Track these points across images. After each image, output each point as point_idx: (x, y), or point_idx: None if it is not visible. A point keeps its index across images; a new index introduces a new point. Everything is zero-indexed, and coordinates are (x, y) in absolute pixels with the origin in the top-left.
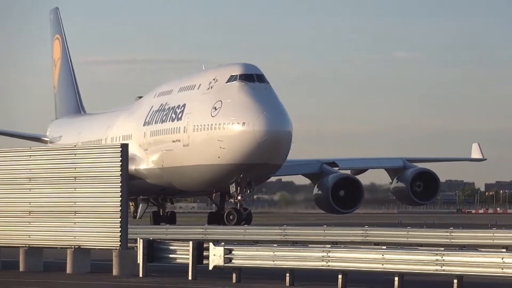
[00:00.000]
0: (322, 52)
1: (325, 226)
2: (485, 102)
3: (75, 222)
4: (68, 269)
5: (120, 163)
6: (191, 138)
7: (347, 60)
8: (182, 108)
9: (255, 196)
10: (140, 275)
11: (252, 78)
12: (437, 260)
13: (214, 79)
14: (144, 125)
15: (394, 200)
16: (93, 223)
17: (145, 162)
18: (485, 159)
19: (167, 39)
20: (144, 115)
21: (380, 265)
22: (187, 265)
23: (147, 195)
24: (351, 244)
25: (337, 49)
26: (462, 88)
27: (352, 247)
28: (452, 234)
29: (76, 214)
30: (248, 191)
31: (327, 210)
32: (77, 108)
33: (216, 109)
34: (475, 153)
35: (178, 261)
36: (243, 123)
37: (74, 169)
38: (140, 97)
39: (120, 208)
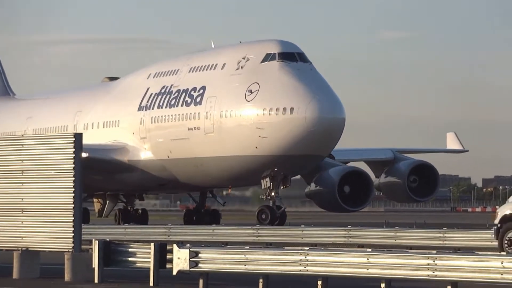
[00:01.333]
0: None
1: (303, 226)
2: (479, 92)
3: (22, 221)
4: (15, 274)
5: (73, 155)
6: (216, 126)
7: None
8: (201, 91)
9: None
10: (95, 280)
11: (293, 57)
12: (428, 264)
13: (244, 58)
14: (140, 110)
15: (381, 197)
16: (43, 222)
17: (141, 152)
18: (466, 151)
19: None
20: (138, 99)
21: (364, 270)
22: (148, 269)
23: (137, 191)
24: (332, 247)
25: (318, 33)
26: (450, 76)
27: (333, 250)
28: (445, 235)
29: (24, 212)
30: (283, 187)
31: (331, 208)
32: (4, 90)
33: (252, 93)
34: (452, 144)
35: (138, 265)
36: (291, 109)
37: (21, 161)
38: (112, 78)
39: (73, 205)
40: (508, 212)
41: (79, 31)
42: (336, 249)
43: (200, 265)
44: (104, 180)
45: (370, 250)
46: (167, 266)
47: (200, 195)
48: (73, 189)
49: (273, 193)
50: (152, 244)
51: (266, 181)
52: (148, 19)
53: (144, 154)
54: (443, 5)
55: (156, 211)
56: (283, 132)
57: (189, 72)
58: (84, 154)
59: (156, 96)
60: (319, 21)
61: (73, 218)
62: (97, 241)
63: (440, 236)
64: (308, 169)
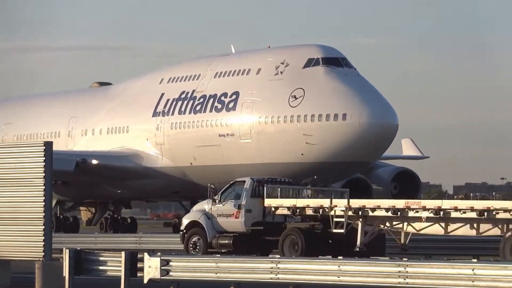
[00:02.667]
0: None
1: None
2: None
3: None
4: None
5: (44, 164)
6: (254, 132)
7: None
8: (234, 96)
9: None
10: None
11: (337, 62)
12: (399, 272)
13: (283, 63)
14: (155, 116)
15: None
16: (13, 231)
17: (157, 159)
18: (426, 157)
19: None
20: (151, 104)
21: (336, 278)
22: (119, 278)
23: (145, 198)
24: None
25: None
26: (416, 81)
27: (304, 258)
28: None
29: None
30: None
31: None
32: None
33: (296, 98)
34: (409, 150)
35: (109, 273)
36: (344, 115)
37: None
38: (103, 83)
39: (44, 214)
40: (192, 219)
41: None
42: (308, 257)
43: (171, 273)
44: (112, 187)
45: (341, 257)
46: (138, 274)
47: (191, 204)
48: (44, 198)
49: None
50: (122, 252)
51: (307, 189)
52: (131, 26)
53: (162, 160)
54: (403, 13)
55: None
56: (334, 139)
57: (214, 77)
58: (93, 161)
59: (175, 102)
60: (294, 27)
61: (43, 227)
62: (67, 250)
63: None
64: (351, 176)
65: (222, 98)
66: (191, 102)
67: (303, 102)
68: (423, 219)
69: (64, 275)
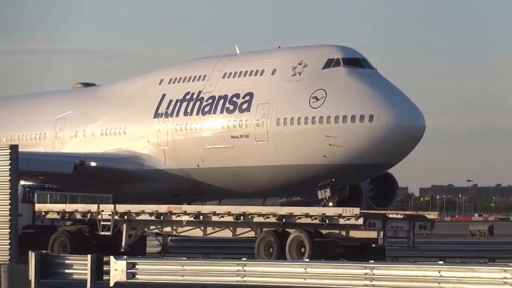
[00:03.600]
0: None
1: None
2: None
3: None
4: None
5: (9, 167)
6: (272, 133)
7: None
8: (247, 97)
9: None
10: None
11: (359, 63)
12: (366, 274)
13: (300, 64)
14: (156, 117)
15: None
16: None
17: (160, 162)
18: None
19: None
20: (152, 105)
21: (302, 280)
22: (85, 281)
23: (143, 201)
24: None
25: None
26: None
27: (271, 260)
28: None
29: None
30: (340, 197)
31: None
32: None
33: (317, 99)
34: None
35: (75, 277)
36: (371, 116)
37: None
38: (87, 84)
39: (10, 218)
40: None
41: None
42: (274, 259)
43: (137, 276)
44: (108, 191)
45: (307, 260)
46: (104, 278)
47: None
48: (9, 201)
49: (331, 204)
50: (89, 256)
51: (326, 191)
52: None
53: (165, 162)
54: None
55: None
56: (360, 140)
57: (223, 77)
58: (92, 164)
59: (179, 103)
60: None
61: (9, 230)
62: (33, 253)
63: None
64: (367, 179)
65: (234, 99)
66: (198, 103)
67: (325, 103)
68: (184, 223)
69: (30, 278)
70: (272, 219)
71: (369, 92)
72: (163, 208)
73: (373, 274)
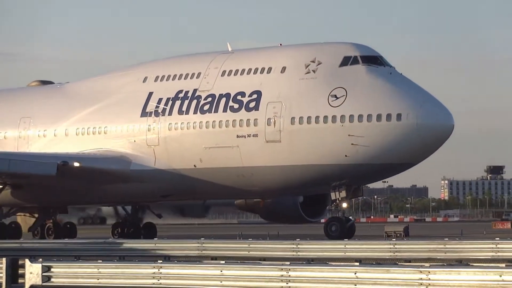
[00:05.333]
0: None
1: (156, 239)
2: None
3: None
4: None
5: None
6: (286, 132)
7: None
8: (255, 95)
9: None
10: None
11: (377, 60)
12: (282, 276)
13: (313, 61)
14: (145, 116)
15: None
16: None
17: (149, 162)
18: None
19: None
20: (137, 104)
21: (218, 282)
22: (0, 285)
23: (128, 203)
24: (186, 259)
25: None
26: None
27: (187, 262)
28: (298, 246)
29: None
30: (354, 198)
31: (290, 220)
32: None
33: (337, 98)
34: None
35: None
36: (398, 115)
37: None
38: (45, 82)
39: None
40: None
41: None
42: (190, 261)
43: (52, 279)
44: (92, 192)
45: (223, 262)
46: (19, 281)
47: (132, 208)
48: None
49: (344, 204)
50: (4, 258)
51: (341, 192)
52: None
53: (155, 163)
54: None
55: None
56: (387, 139)
57: (222, 75)
58: (76, 164)
59: (171, 101)
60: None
61: None
62: None
63: (293, 247)
64: (384, 178)
65: (239, 97)
66: (194, 101)
67: (346, 101)
68: None
69: None
70: None
71: (393, 91)
72: None
73: (289, 276)
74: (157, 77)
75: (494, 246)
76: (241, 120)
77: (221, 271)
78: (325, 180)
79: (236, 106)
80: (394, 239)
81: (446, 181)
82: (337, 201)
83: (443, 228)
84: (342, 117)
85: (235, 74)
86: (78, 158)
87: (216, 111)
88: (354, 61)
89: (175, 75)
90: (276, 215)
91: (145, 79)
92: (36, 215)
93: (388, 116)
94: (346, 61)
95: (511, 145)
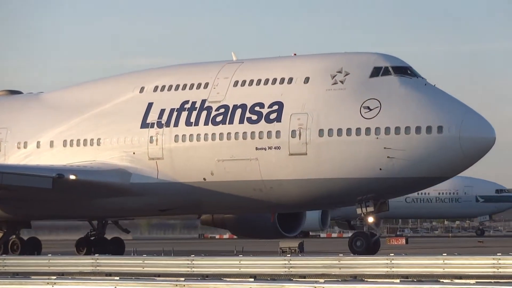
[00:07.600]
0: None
1: (49, 255)
2: None
3: None
4: None
5: None
6: (313, 145)
7: None
8: (276, 106)
9: None
10: None
11: (407, 71)
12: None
13: (340, 72)
14: (146, 128)
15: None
16: None
17: (152, 175)
18: None
19: None
20: (136, 115)
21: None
22: None
23: (123, 217)
24: (80, 275)
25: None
26: None
27: (80, 279)
28: (193, 262)
29: None
30: (379, 212)
31: (265, 235)
32: None
33: (370, 109)
34: None
35: None
36: (439, 128)
37: None
38: (14, 92)
39: None
40: None
41: None
42: (84, 278)
43: None
44: (87, 206)
45: (118, 278)
46: None
47: (98, 223)
48: None
49: (371, 219)
50: None
51: (368, 206)
52: None
53: (157, 176)
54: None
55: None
56: (427, 152)
57: (234, 86)
58: (71, 177)
59: (176, 112)
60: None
61: None
62: None
63: (188, 263)
64: (413, 192)
65: (257, 108)
66: (204, 112)
67: (381, 113)
68: None
69: None
70: None
71: (431, 102)
72: None
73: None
74: (156, 87)
75: (388, 262)
76: (260, 132)
77: (115, 287)
78: (352, 194)
79: (254, 117)
80: (289, 255)
81: None
82: (362, 215)
83: (338, 244)
84: (377, 129)
85: (250, 84)
86: (74, 171)
87: (231, 122)
88: (386, 71)
89: (177, 85)
90: (249, 231)
91: (142, 89)
92: (5, 230)
93: (428, 129)
94: (377, 71)
95: None
